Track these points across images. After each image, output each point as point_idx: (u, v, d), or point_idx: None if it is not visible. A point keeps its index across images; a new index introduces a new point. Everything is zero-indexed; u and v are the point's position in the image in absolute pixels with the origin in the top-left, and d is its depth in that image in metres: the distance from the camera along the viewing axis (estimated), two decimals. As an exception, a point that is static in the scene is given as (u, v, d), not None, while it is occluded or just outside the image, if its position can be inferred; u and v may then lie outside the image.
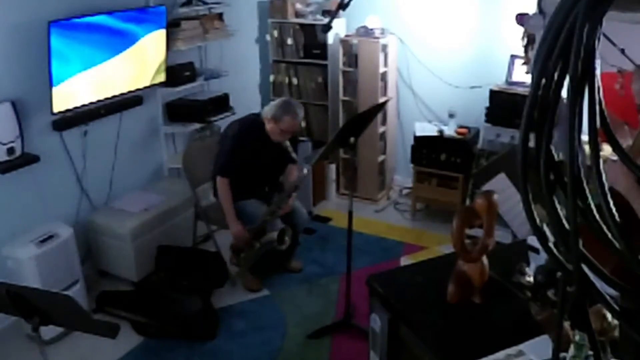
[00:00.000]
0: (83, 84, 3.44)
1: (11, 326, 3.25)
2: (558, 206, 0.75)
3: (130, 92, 3.81)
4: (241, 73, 4.98)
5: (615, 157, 0.79)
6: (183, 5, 4.23)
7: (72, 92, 3.38)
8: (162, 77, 4.02)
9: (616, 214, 0.69)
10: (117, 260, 3.68)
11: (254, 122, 3.47)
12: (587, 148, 0.70)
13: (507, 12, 4.12)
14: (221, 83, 4.55)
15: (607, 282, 0.74)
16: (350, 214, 3.15)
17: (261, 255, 3.55)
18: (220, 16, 4.53)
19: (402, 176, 5.09)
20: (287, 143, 3.41)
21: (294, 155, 3.42)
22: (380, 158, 4.88)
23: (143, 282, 3.68)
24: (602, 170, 0.69)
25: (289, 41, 4.91)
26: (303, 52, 4.94)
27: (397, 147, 5.08)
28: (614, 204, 0.69)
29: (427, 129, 4.54)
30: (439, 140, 4.42)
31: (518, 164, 0.77)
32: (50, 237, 3.18)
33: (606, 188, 0.69)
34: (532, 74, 0.75)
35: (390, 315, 2.01)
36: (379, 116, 4.49)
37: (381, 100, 4.51)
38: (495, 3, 4.33)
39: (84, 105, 3.51)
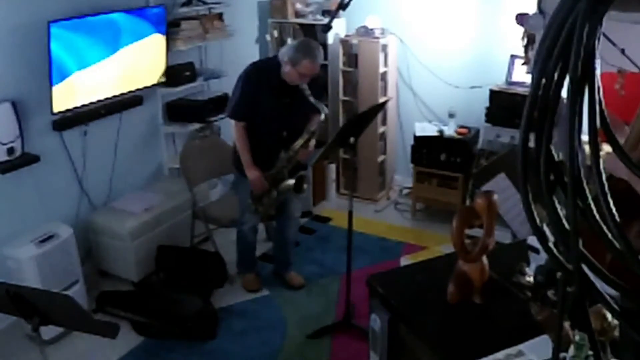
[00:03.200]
0: (83, 84, 3.44)
1: (11, 326, 3.25)
2: (558, 206, 0.75)
3: (130, 92, 3.81)
4: (241, 73, 4.98)
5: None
6: (183, 5, 4.23)
7: (72, 92, 3.38)
8: (162, 77, 4.02)
9: (616, 214, 0.69)
10: (117, 260, 3.68)
11: (269, 64, 3.29)
12: (587, 148, 0.70)
13: (507, 12, 4.12)
14: (221, 83, 4.55)
15: (607, 282, 0.74)
16: (350, 214, 3.15)
17: (279, 203, 3.44)
18: (220, 16, 4.53)
19: (402, 176, 5.09)
20: (305, 86, 3.13)
21: (311, 98, 3.13)
22: (380, 158, 4.88)
23: (143, 282, 3.68)
24: (602, 170, 0.69)
25: (289, 41, 4.90)
26: (303, 52, 4.94)
27: (397, 147, 5.08)
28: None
29: (427, 129, 4.54)
30: (439, 140, 4.42)
31: (518, 164, 0.77)
32: (50, 237, 3.18)
33: (606, 188, 0.69)
34: (532, 74, 0.75)
35: (390, 315, 2.01)
36: (379, 116, 4.48)
37: (381, 100, 4.51)
38: (495, 3, 4.33)
39: (84, 105, 3.51)
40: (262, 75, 3.21)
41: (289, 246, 3.74)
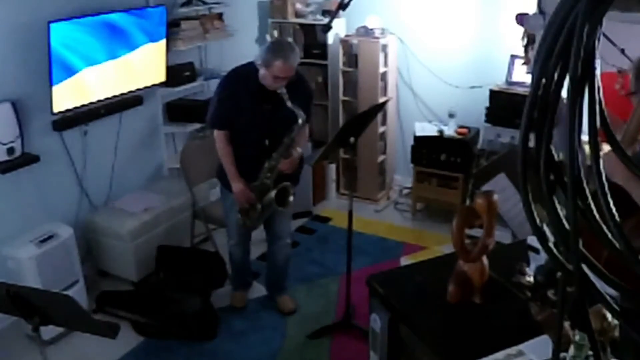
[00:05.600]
0: (83, 84, 3.44)
1: (11, 326, 3.25)
2: (558, 206, 0.75)
3: (130, 92, 3.81)
4: (241, 73, 4.97)
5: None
6: (183, 5, 4.23)
7: (72, 92, 3.38)
8: (162, 77, 4.02)
9: (616, 214, 0.69)
10: (117, 260, 3.68)
11: (247, 69, 3.06)
12: (587, 148, 0.70)
13: (507, 12, 4.12)
14: (221, 83, 4.55)
15: (607, 282, 0.74)
16: (350, 214, 3.15)
17: (266, 217, 3.23)
18: (220, 16, 4.53)
19: (402, 176, 5.09)
20: (284, 90, 2.94)
21: (288, 103, 2.94)
22: (380, 158, 4.88)
23: (143, 282, 3.68)
24: (602, 170, 0.69)
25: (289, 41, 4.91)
26: (303, 52, 4.94)
27: (397, 147, 5.08)
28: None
29: (427, 129, 4.54)
30: (439, 140, 4.42)
31: (518, 164, 0.77)
32: (50, 237, 3.18)
33: (606, 188, 0.69)
34: (532, 74, 0.75)
35: (390, 315, 2.01)
36: (379, 116, 4.48)
37: (381, 100, 4.51)
38: (495, 3, 4.33)
39: (84, 105, 3.51)
40: (239, 81, 3.04)
41: (279, 269, 3.52)
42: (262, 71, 2.96)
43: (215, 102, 3.10)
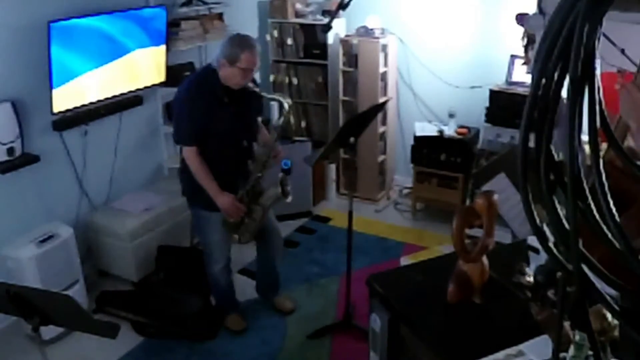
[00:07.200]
0: (83, 84, 3.44)
1: (11, 326, 3.25)
2: (558, 206, 0.75)
3: (130, 92, 3.81)
4: (241, 73, 4.97)
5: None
6: (183, 5, 4.23)
7: (72, 92, 3.38)
8: (162, 77, 4.02)
9: (616, 214, 0.69)
10: (117, 260, 3.68)
11: (206, 75, 2.90)
12: (587, 148, 0.70)
13: (507, 12, 4.13)
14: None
15: (607, 282, 0.74)
16: (350, 214, 3.15)
17: (263, 219, 3.11)
18: (220, 16, 4.53)
19: (402, 176, 5.09)
20: (251, 84, 2.88)
21: (258, 90, 2.90)
22: (380, 158, 4.88)
23: (143, 282, 3.68)
24: (602, 171, 0.69)
25: (289, 41, 4.91)
26: (303, 52, 4.94)
27: (397, 147, 5.08)
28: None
29: (427, 129, 4.54)
30: (439, 140, 4.42)
31: (518, 164, 0.77)
32: (50, 237, 3.18)
33: (606, 188, 0.69)
34: (532, 74, 0.75)
35: (390, 315, 2.01)
36: (379, 116, 4.48)
37: (381, 100, 4.51)
38: (495, 3, 4.33)
39: (84, 105, 3.51)
40: (203, 90, 2.86)
41: (275, 272, 3.46)
42: (226, 70, 2.83)
43: (185, 116, 2.88)
